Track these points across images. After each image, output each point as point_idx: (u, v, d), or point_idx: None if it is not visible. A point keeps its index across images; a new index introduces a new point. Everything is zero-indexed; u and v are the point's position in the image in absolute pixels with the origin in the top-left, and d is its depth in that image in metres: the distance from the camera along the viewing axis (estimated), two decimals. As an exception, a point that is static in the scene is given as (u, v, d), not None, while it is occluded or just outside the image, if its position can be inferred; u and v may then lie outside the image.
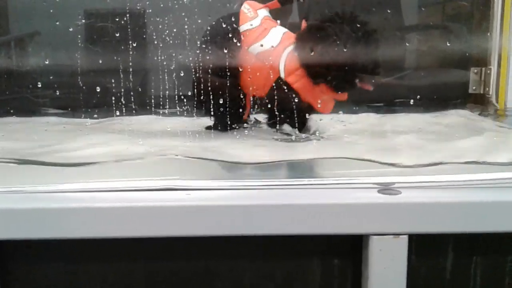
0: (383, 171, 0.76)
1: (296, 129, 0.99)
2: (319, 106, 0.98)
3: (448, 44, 1.38)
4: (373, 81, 0.95)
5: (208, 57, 0.98)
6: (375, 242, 0.64)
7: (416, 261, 0.67)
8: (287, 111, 0.97)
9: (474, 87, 1.39)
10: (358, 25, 0.92)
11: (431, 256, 0.67)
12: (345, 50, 0.91)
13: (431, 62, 1.47)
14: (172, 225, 0.64)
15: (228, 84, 0.97)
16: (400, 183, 0.68)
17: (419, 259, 0.67)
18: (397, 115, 1.26)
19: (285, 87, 0.96)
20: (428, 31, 1.52)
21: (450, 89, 1.42)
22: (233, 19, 0.99)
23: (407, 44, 1.44)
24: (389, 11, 1.01)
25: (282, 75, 0.96)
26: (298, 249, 0.68)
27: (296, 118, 0.98)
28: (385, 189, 0.67)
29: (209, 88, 0.97)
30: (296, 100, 0.96)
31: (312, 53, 0.93)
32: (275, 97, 0.97)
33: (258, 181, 0.70)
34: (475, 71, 1.39)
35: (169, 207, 0.64)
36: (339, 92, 0.97)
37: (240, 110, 1.03)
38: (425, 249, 0.67)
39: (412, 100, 1.17)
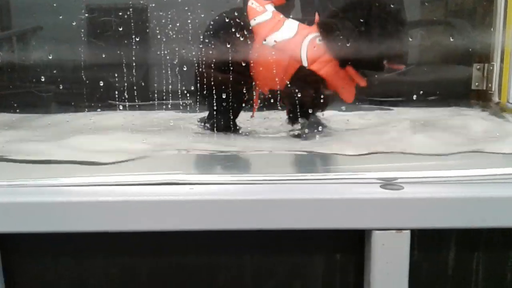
0: (385, 166, 0.76)
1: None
2: (343, 95, 0.98)
3: (451, 40, 1.38)
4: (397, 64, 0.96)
5: (213, 53, 0.97)
6: (378, 237, 0.64)
7: (418, 256, 0.67)
8: (312, 99, 0.95)
9: (476, 83, 1.39)
10: (383, 7, 0.92)
11: (433, 251, 0.68)
12: (373, 32, 0.90)
13: (433, 58, 1.47)
14: (175, 219, 0.64)
15: (238, 80, 0.96)
16: (403, 178, 0.68)
17: (421, 254, 0.67)
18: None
19: (309, 76, 0.95)
20: (431, 26, 1.51)
21: (453, 85, 1.42)
22: (236, 14, 0.98)
23: (410, 40, 1.44)
24: (391, 5, 1.02)
25: (305, 63, 0.94)
26: (301, 244, 0.68)
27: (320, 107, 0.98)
28: (387, 184, 0.67)
29: (215, 84, 0.96)
30: (322, 87, 0.95)
31: (341, 37, 0.92)
32: (298, 87, 0.95)
33: (261, 175, 0.71)
34: (478, 67, 1.39)
35: (173, 201, 0.64)
36: (366, 76, 0.96)
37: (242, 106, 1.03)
38: (427, 244, 0.67)
39: (415, 96, 1.17)
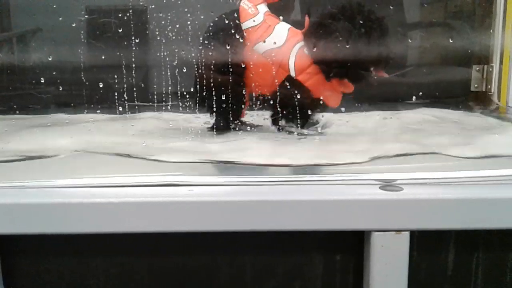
0: (385, 167, 0.76)
1: (300, 126, 0.99)
2: (328, 100, 0.98)
3: (450, 41, 1.38)
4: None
5: (211, 55, 0.97)
6: (377, 238, 0.64)
7: (418, 257, 0.67)
8: (297, 109, 0.96)
9: (476, 85, 1.39)
10: (368, 15, 0.92)
11: (432, 252, 0.68)
12: (359, 42, 0.90)
13: (432, 60, 1.47)
14: (174, 221, 0.64)
15: (231, 83, 0.96)
16: (402, 180, 0.68)
17: (420, 255, 0.67)
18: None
19: (296, 86, 0.95)
20: (430, 28, 1.51)
21: (452, 87, 1.42)
22: (236, 15, 0.98)
23: (409, 41, 1.44)
24: (391, 7, 1.02)
25: (293, 73, 0.95)
26: (300, 245, 0.68)
27: (305, 115, 0.98)
28: (386, 185, 0.67)
29: (212, 86, 0.97)
30: (307, 97, 0.95)
31: (326, 49, 0.92)
32: (284, 96, 0.96)
33: (260, 177, 0.71)
34: (477, 68, 1.39)
35: (172, 202, 0.64)
36: (355, 84, 0.97)
37: (241, 108, 1.03)
38: (427, 245, 0.67)
39: (414, 97, 1.17)
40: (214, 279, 0.69)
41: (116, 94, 1.02)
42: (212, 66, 0.97)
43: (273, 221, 0.64)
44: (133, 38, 1.06)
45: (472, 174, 0.69)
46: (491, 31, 1.35)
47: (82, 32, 1.27)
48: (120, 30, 1.16)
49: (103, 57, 1.12)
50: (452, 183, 0.68)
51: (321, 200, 0.64)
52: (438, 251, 0.68)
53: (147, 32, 1.27)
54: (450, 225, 0.65)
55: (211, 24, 1.01)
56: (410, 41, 1.44)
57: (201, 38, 1.00)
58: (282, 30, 0.97)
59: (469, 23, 1.41)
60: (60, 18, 1.16)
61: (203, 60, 0.98)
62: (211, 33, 1.00)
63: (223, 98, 0.97)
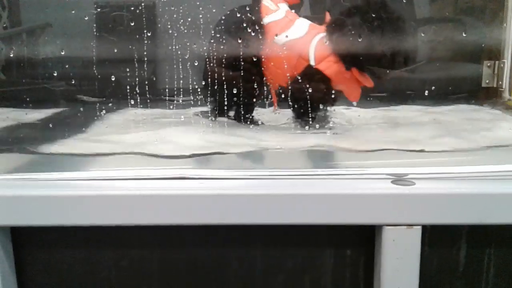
0: (397, 162, 0.76)
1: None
2: (348, 93, 1.00)
3: (463, 36, 1.37)
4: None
5: (225, 48, 0.98)
6: (388, 233, 0.64)
7: (429, 252, 0.67)
8: (318, 98, 0.97)
9: (487, 81, 1.38)
10: (390, 11, 0.93)
11: (444, 247, 0.67)
12: (381, 35, 0.91)
13: (443, 55, 1.46)
14: (185, 214, 0.64)
15: (248, 76, 0.97)
16: (414, 174, 0.68)
17: (432, 250, 0.67)
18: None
19: (316, 74, 0.96)
20: (441, 23, 1.50)
21: (463, 82, 1.41)
22: (248, 9, 0.99)
23: (419, 36, 1.43)
24: (402, 2, 1.02)
25: (312, 62, 0.96)
26: (311, 239, 0.68)
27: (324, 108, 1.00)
28: (398, 179, 0.66)
29: (233, 81, 0.97)
30: (326, 88, 0.97)
31: (347, 39, 0.93)
32: (303, 85, 0.96)
33: (271, 170, 0.71)
34: (488, 64, 1.38)
35: (182, 195, 0.64)
36: (379, 76, 0.97)
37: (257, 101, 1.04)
38: (439, 240, 0.67)
39: (426, 92, 1.16)
40: (225, 272, 0.69)
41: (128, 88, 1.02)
42: (228, 60, 0.97)
43: (283, 214, 0.64)
44: (145, 31, 1.06)
45: (485, 169, 0.68)
46: (502, 26, 1.34)
47: (89, 27, 1.27)
48: (132, 24, 1.16)
49: (112, 52, 1.12)
50: (464, 177, 0.67)
51: (332, 194, 0.64)
52: (450, 246, 0.67)
53: (159, 25, 1.27)
54: (463, 220, 0.64)
55: (224, 17, 1.01)
56: (419, 36, 1.43)
57: (212, 32, 1.01)
58: (302, 24, 0.99)
59: (480, 19, 1.40)
60: (72, 12, 1.16)
61: (216, 53, 0.98)
62: (224, 27, 1.00)
63: (237, 91, 0.97)
